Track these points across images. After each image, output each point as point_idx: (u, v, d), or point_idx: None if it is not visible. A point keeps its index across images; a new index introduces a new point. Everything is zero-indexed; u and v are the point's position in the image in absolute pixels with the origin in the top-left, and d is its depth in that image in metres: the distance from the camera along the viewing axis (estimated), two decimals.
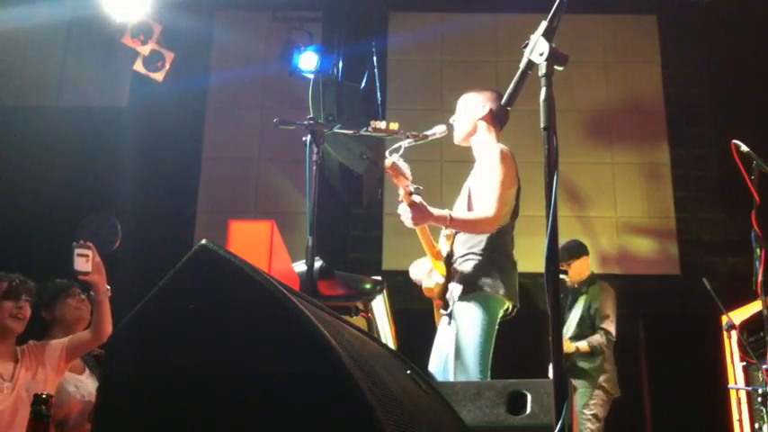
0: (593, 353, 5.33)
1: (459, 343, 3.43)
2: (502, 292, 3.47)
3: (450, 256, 3.65)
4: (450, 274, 3.60)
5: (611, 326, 5.40)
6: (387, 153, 3.44)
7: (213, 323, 1.49)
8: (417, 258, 3.80)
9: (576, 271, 5.61)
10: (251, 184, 7.33)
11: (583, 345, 5.32)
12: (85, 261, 3.44)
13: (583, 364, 5.33)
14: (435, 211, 3.46)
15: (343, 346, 1.47)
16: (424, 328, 3.89)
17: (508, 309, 3.55)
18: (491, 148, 3.64)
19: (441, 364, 3.60)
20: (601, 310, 5.44)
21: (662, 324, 6.64)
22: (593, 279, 5.66)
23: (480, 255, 3.53)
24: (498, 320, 3.51)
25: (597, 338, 5.34)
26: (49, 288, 3.83)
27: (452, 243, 3.67)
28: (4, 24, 6.57)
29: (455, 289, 3.53)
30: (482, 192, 3.57)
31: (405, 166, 3.40)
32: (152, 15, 6.51)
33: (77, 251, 3.44)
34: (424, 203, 3.45)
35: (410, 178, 3.42)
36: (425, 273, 3.72)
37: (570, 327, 5.47)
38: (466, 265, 3.53)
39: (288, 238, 3.73)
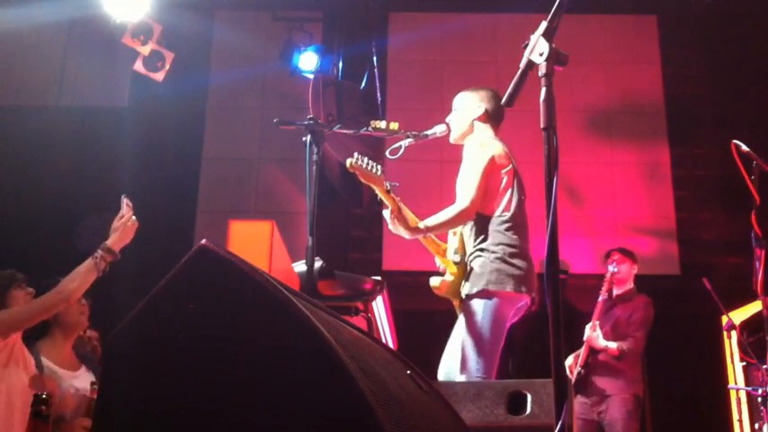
0: (618, 356, 5.23)
1: (462, 341, 3.38)
2: (510, 287, 3.37)
3: (462, 253, 3.58)
4: (463, 273, 3.53)
5: (642, 339, 5.30)
6: (355, 155, 3.35)
7: (213, 323, 1.49)
8: (417, 258, 3.79)
9: (626, 273, 5.49)
10: (251, 184, 7.33)
11: (613, 346, 5.21)
12: (128, 212, 3.54)
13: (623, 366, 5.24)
14: (410, 228, 3.46)
15: (343, 345, 1.47)
16: (424, 328, 3.89)
17: (523, 303, 3.45)
18: (475, 144, 3.63)
19: (446, 365, 3.53)
20: (637, 321, 5.33)
21: (662, 324, 6.63)
22: (638, 291, 5.53)
23: (487, 250, 3.45)
24: (509, 317, 3.43)
25: (629, 345, 5.23)
26: None
27: (460, 238, 3.59)
28: (4, 24, 6.57)
29: (464, 287, 3.48)
30: (459, 187, 3.56)
31: (370, 164, 3.35)
32: (152, 15, 6.51)
33: (126, 201, 3.56)
34: (405, 217, 3.45)
35: (381, 175, 3.39)
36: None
37: (604, 326, 5.33)
38: (474, 263, 3.47)
39: (288, 238, 3.73)
